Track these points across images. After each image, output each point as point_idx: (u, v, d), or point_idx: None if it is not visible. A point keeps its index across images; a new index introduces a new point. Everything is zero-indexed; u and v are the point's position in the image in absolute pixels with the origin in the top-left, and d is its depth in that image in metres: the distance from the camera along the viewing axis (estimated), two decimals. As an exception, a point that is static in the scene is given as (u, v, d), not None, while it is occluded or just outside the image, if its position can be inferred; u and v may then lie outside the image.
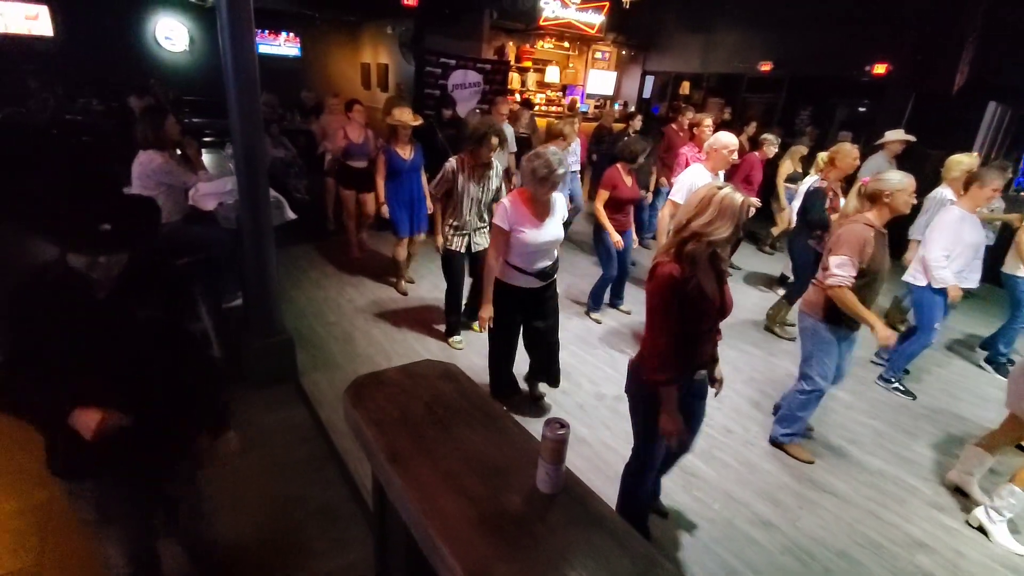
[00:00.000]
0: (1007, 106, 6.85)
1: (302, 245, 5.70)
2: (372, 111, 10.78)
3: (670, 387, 1.88)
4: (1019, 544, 2.49)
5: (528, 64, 12.25)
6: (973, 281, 3.55)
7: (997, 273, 4.03)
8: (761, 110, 9.55)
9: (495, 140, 3.32)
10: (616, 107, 12.19)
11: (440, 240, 3.62)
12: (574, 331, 4.23)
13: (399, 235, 4.46)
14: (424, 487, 1.17)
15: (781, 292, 4.91)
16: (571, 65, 13.00)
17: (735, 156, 3.64)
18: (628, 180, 4.10)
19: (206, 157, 4.96)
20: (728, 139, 3.55)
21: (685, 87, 11.41)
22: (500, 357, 3.10)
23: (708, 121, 4.81)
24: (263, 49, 11.86)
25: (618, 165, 4.09)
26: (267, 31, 11.94)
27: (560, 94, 12.65)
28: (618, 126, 9.16)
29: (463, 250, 3.62)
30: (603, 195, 4.06)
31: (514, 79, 11.71)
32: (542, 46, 12.21)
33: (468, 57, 9.72)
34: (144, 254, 1.40)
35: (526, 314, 2.95)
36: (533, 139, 6.60)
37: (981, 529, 2.57)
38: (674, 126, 6.11)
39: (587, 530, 1.12)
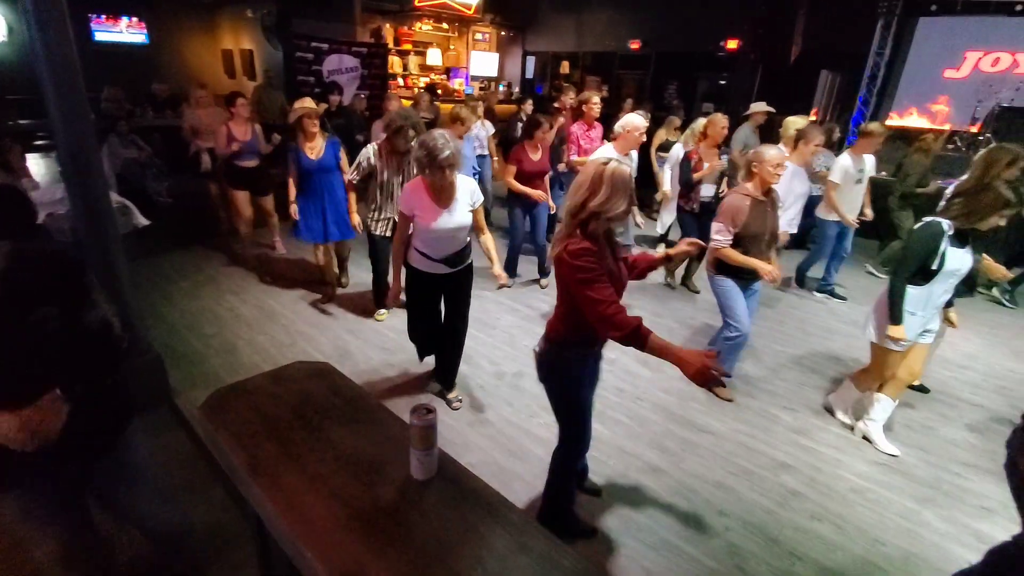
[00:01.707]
0: (835, 73, 7.83)
1: (170, 254, 5.18)
2: (241, 102, 9.94)
3: (645, 335, 1.63)
4: (891, 444, 2.93)
5: (408, 47, 11.90)
6: (795, 226, 4.16)
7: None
8: (634, 86, 10.09)
9: (412, 132, 3.36)
10: (501, 88, 12.28)
11: (356, 219, 3.78)
12: (472, 314, 4.24)
13: (305, 241, 4.18)
14: (289, 496, 1.13)
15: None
16: (452, 47, 12.83)
17: (644, 137, 3.88)
18: (536, 156, 4.33)
19: (39, 163, 4.30)
20: (639, 121, 3.77)
21: (565, 67, 11.74)
22: (415, 330, 3.17)
23: (596, 99, 4.92)
24: (100, 36, 10.47)
25: (524, 143, 4.30)
26: (103, 15, 10.50)
27: (444, 77, 12.47)
28: (503, 108, 9.22)
29: (388, 234, 3.63)
30: (511, 169, 4.31)
31: (395, 63, 11.34)
32: (420, 28, 11.92)
33: (342, 41, 9.25)
34: (25, 242, 1.19)
35: (435, 300, 2.98)
36: (437, 124, 6.44)
37: (866, 438, 3.00)
38: (556, 105, 6.26)
39: (461, 508, 1.14)
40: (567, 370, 2.03)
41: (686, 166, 4.40)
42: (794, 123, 4.44)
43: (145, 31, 11.15)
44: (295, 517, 1.08)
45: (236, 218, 4.98)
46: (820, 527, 2.46)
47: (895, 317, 2.65)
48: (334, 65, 8.98)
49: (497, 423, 3.03)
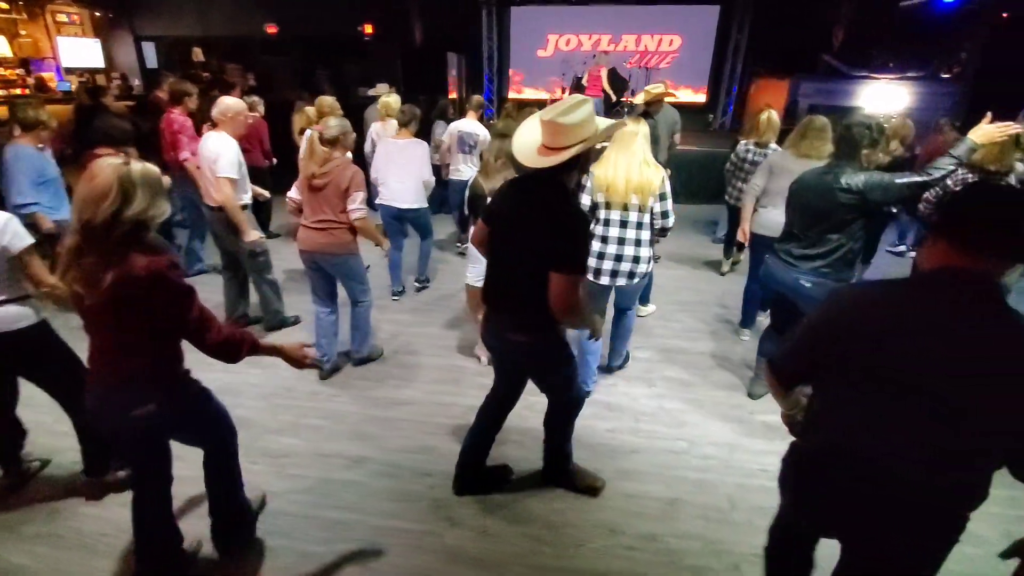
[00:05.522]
0: (461, 55, 8.84)
1: None
2: None
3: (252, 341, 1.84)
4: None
5: (-59, 32, 8.53)
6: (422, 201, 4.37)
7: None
8: (287, 73, 9.48)
9: None
10: (115, 83, 9.99)
11: None
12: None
13: None
14: None
15: None
16: (24, 32, 9.77)
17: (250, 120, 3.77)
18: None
19: None
20: (237, 102, 3.53)
21: (197, 53, 10.20)
22: None
23: (191, 86, 4.66)
24: None
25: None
26: None
27: (21, 70, 9.47)
28: (118, 106, 7.56)
29: None
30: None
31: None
32: (-46, 5, 8.65)
33: None
34: None
35: None
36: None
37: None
38: (160, 94, 5.50)
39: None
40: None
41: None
42: (390, 103, 4.85)
43: None
44: None
45: None
46: (507, 449, 2.80)
47: None
48: None
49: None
